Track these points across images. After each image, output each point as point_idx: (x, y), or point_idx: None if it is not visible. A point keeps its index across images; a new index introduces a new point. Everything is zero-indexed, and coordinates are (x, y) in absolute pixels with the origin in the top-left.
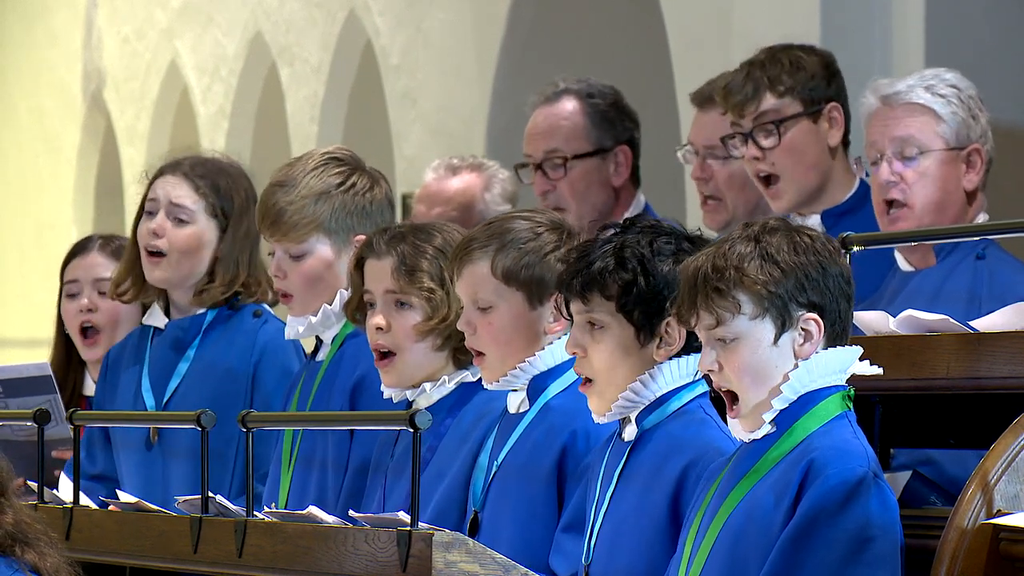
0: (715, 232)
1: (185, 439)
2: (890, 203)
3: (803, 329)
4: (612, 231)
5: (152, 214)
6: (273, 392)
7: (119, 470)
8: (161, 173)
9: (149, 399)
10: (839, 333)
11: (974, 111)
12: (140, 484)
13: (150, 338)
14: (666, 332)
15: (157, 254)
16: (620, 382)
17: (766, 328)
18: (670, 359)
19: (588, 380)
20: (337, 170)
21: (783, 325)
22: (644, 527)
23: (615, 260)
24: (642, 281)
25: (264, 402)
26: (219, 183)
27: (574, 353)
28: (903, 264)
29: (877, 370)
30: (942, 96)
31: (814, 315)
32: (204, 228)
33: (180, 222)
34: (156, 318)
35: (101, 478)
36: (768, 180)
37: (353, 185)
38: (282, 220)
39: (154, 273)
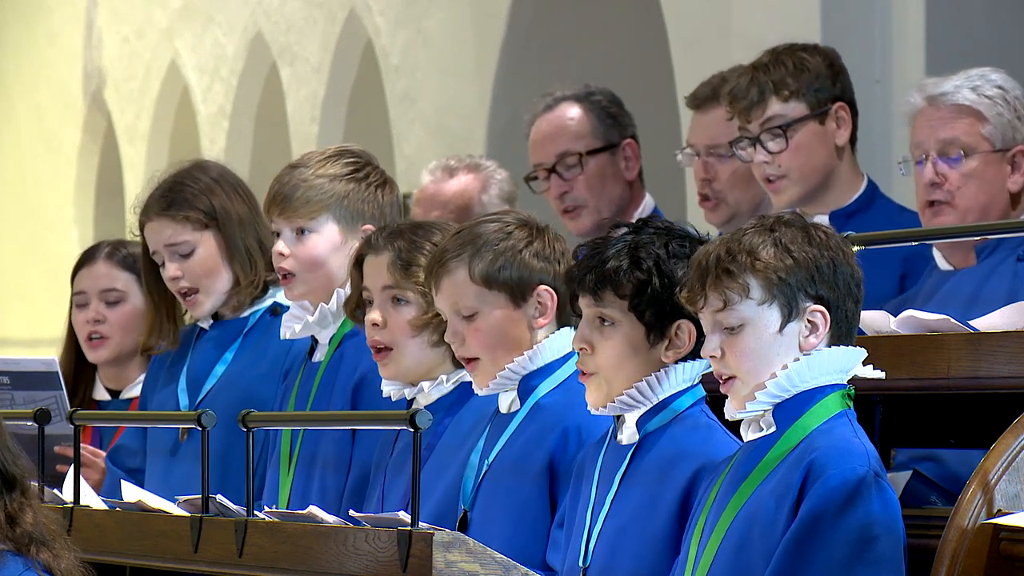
0: (717, 229)
1: (212, 443)
2: (932, 203)
3: (809, 321)
4: (624, 230)
5: (162, 264)
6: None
7: (147, 468)
8: (142, 226)
9: (184, 399)
10: (844, 333)
11: (1020, 112)
12: (167, 485)
13: (195, 338)
14: (676, 335)
15: (187, 293)
16: (624, 380)
17: (772, 315)
18: (676, 363)
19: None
20: (350, 159)
21: (790, 314)
22: (650, 531)
23: (630, 259)
24: (656, 282)
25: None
26: (188, 196)
27: (581, 349)
28: (942, 263)
29: (879, 374)
30: (988, 97)
31: (821, 308)
32: (206, 243)
33: (186, 256)
34: (204, 319)
35: (137, 472)
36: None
37: (367, 176)
38: (294, 196)
39: (197, 311)
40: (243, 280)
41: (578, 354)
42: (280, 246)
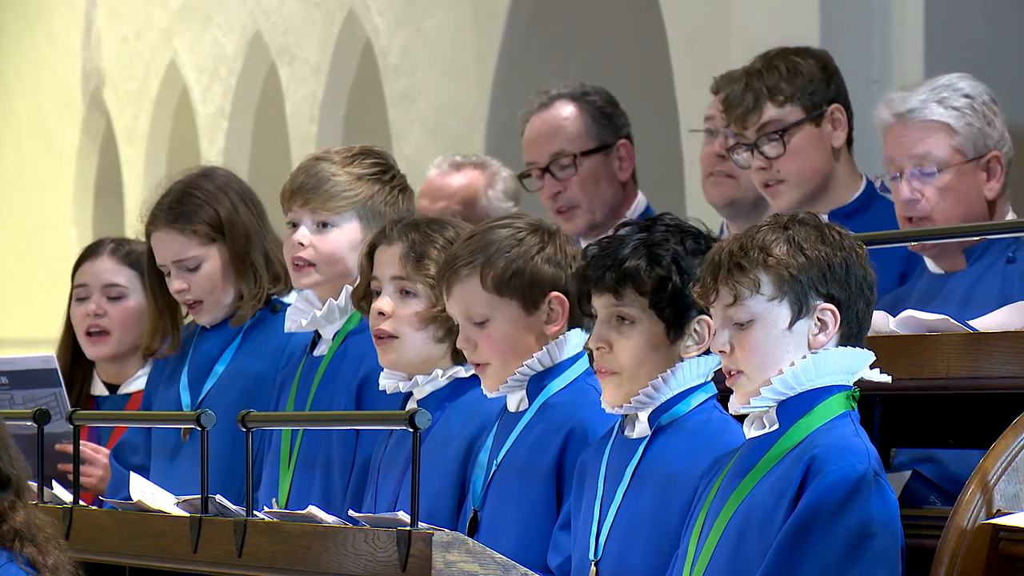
0: (719, 206)
1: (214, 441)
2: (912, 220)
3: (819, 319)
4: (633, 228)
5: (169, 274)
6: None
7: (151, 468)
8: (149, 235)
9: (185, 397)
10: (854, 334)
11: (989, 117)
12: (170, 485)
13: (196, 336)
14: (695, 331)
15: (194, 304)
16: (644, 377)
17: (782, 312)
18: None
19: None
20: (376, 160)
21: (799, 311)
22: (663, 525)
23: (648, 257)
24: (676, 279)
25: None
26: (195, 208)
27: (599, 348)
28: (932, 267)
29: (886, 378)
30: (956, 109)
31: (831, 306)
32: (213, 258)
33: (192, 270)
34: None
35: (140, 469)
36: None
37: (391, 179)
38: (321, 189)
39: (201, 319)
40: (246, 295)
41: (592, 353)
42: (300, 235)
